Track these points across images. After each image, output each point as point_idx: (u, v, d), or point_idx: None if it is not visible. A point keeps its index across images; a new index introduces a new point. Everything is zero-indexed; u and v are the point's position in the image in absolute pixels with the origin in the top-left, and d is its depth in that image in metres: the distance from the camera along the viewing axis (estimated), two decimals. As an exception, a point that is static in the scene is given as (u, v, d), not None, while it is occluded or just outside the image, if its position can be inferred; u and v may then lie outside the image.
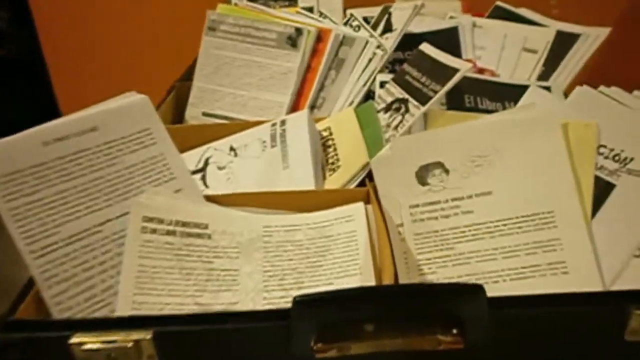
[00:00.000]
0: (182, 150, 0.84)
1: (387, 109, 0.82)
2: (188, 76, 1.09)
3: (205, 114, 1.03)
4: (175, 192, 0.68)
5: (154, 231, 0.62)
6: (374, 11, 1.22)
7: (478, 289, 0.47)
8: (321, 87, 0.99)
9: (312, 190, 0.72)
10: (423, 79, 0.78)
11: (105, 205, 0.61)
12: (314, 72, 0.99)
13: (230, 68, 1.02)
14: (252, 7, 1.06)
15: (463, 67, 0.71)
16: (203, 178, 0.82)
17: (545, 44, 0.99)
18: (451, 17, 1.08)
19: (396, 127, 0.75)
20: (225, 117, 1.01)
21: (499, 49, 1.02)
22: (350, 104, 0.96)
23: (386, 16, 1.03)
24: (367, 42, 0.97)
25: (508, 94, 0.84)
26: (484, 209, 0.66)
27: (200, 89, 1.03)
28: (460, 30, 1.04)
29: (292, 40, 0.98)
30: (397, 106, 0.80)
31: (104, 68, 1.87)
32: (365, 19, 1.08)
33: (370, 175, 0.72)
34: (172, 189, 0.67)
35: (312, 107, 0.99)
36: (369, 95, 0.95)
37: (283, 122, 0.84)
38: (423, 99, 0.74)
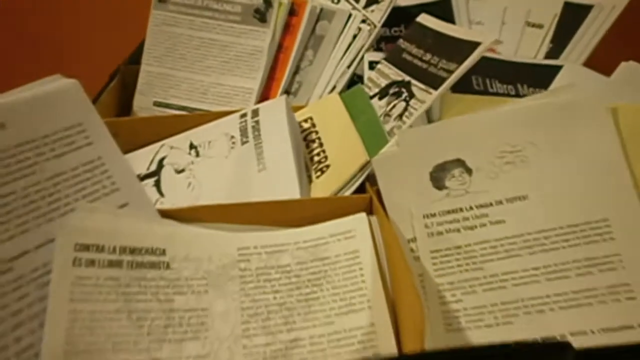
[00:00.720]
0: (129, 149, 0.67)
1: (382, 94, 0.67)
2: (136, 58, 0.91)
3: (157, 104, 0.85)
4: (119, 208, 0.51)
5: (91, 263, 0.46)
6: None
7: (565, 348, 0.33)
8: (296, 70, 0.83)
9: (298, 199, 0.57)
10: (428, 57, 0.64)
11: (19, 231, 0.44)
12: (288, 52, 0.83)
13: (186, 48, 0.85)
14: (210, -25, 0.88)
15: (485, 40, 0.57)
16: (157, 184, 0.65)
17: (552, 18, 0.86)
18: (441, -12, 0.93)
19: (400, 117, 0.60)
20: (182, 107, 0.84)
21: (498, 23, 0.89)
22: (332, 89, 0.81)
23: (370, -15, 0.87)
24: (350, 16, 0.82)
25: (522, 75, 0.71)
26: (519, 218, 0.52)
27: (151, 74, 0.86)
28: (453, 3, 0.90)
29: (260, 14, 0.82)
30: (395, 90, 0.65)
31: (31, 48, 1.62)
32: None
33: (371, 178, 0.57)
34: (115, 204, 0.51)
35: (287, 94, 0.83)
36: (354, 80, 0.80)
37: (255, 112, 0.68)
38: (434, 81, 0.60)
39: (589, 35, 0.83)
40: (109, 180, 0.50)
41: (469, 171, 0.54)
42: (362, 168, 0.58)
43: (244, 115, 0.68)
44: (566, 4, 0.86)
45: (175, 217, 0.53)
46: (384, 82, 0.68)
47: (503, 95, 0.71)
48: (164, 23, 0.85)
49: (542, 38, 0.86)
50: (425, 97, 0.59)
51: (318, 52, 0.83)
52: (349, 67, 0.80)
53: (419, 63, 0.65)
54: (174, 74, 0.85)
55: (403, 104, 0.62)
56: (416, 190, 0.54)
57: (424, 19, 0.71)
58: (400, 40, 0.72)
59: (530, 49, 0.86)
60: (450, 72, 0.58)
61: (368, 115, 0.65)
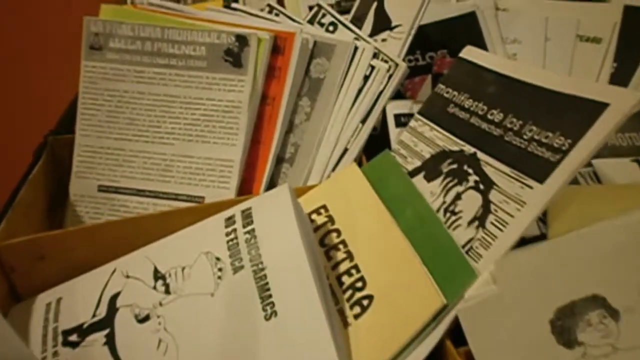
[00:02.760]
0: (62, 278, 0.45)
1: (429, 171, 0.46)
2: (67, 125, 0.68)
3: (103, 189, 0.62)
4: None
5: None
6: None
7: None
8: (290, 128, 0.62)
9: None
10: (498, 116, 0.43)
11: None
12: (276, 105, 0.61)
13: (135, 110, 0.62)
14: (157, 5, 0.66)
15: (619, 99, 0.36)
16: (110, 343, 0.43)
17: (612, 28, 0.66)
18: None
19: (480, 224, 0.39)
20: (138, 192, 0.61)
21: (540, 40, 0.69)
22: (342, 154, 0.59)
23: (375, 4, 0.66)
24: (356, 49, 0.60)
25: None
26: None
27: (90, 149, 0.63)
28: (479, 16, 0.70)
29: (233, 57, 0.60)
30: (452, 168, 0.44)
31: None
32: (340, 8, 0.71)
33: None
34: None
35: (279, 162, 0.62)
36: (377, 142, 0.59)
37: (247, 215, 0.46)
38: (528, 165, 0.39)
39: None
40: None
41: (613, 314, 0.33)
42: (435, 316, 0.36)
43: (230, 220, 0.46)
44: (628, 9, 0.67)
45: None
46: (427, 151, 0.47)
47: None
48: (101, 77, 0.62)
49: (602, 56, 0.66)
50: (521, 192, 0.38)
51: (317, 101, 0.61)
52: (363, 121, 0.58)
53: (484, 125, 0.44)
54: (122, 146, 0.62)
55: (476, 198, 0.41)
56: (532, 352, 0.33)
57: (473, 54, 0.50)
58: (441, 87, 0.51)
59: (589, 71, 0.66)
60: (561, 151, 0.37)
61: (417, 209, 0.43)
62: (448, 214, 0.42)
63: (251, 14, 0.65)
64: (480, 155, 0.43)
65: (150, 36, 0.61)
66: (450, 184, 0.43)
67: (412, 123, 0.52)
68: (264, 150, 0.61)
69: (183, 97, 0.61)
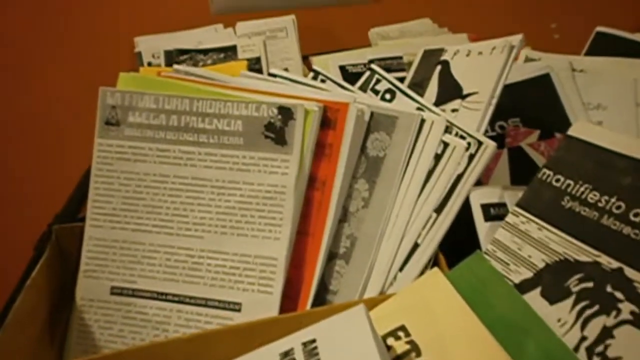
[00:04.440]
0: None
1: (549, 288, 0.35)
2: (71, 213, 0.58)
3: (117, 292, 0.51)
4: None
5: None
6: (381, 53, 0.78)
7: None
8: (344, 217, 0.51)
9: None
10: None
11: None
12: (327, 189, 0.51)
13: (156, 196, 0.52)
14: (183, 72, 0.56)
15: None
16: None
17: None
18: (529, 60, 0.63)
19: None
20: (158, 295, 0.50)
21: (629, 106, 0.59)
22: (413, 249, 0.48)
23: (438, 67, 0.56)
24: (423, 121, 0.50)
25: None
26: None
27: (101, 242, 0.52)
28: (554, 79, 0.60)
29: (276, 132, 0.50)
30: (587, 286, 0.32)
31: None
32: (387, 68, 0.62)
33: None
34: None
35: (332, 258, 0.50)
36: (458, 237, 0.48)
37: (310, 351, 0.34)
38: None
39: None
40: None
41: None
42: None
43: (287, 357, 0.35)
44: None
45: None
46: (539, 258, 0.36)
47: None
48: (117, 158, 0.52)
49: None
50: None
51: (376, 184, 0.50)
52: (438, 211, 0.47)
53: (626, 229, 0.33)
54: (140, 239, 0.52)
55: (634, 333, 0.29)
56: None
57: (590, 132, 0.39)
58: (547, 173, 0.40)
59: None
60: None
61: (542, 344, 0.32)
62: (596, 358, 0.30)
63: (294, 81, 0.56)
64: (630, 272, 0.32)
65: (176, 109, 0.52)
66: (589, 312, 0.32)
67: (511, 218, 0.41)
68: (313, 244, 0.50)
69: (215, 180, 0.51)
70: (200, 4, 1.05)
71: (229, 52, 0.85)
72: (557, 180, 0.39)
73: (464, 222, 0.46)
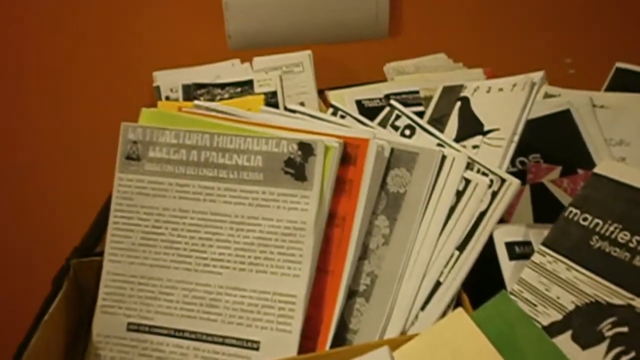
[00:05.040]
0: None
1: (583, 333, 0.33)
2: (89, 247, 0.58)
3: (133, 328, 0.51)
4: None
5: None
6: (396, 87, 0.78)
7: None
8: (364, 254, 0.50)
9: None
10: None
11: None
12: (347, 225, 0.50)
13: (175, 231, 0.51)
14: (204, 108, 0.57)
15: None
16: None
17: None
18: (549, 95, 0.63)
19: None
20: (176, 332, 0.50)
21: (653, 141, 0.58)
22: (435, 288, 0.47)
23: (458, 103, 0.56)
24: (444, 157, 0.50)
25: None
26: None
27: (119, 278, 0.52)
28: (575, 116, 0.60)
29: (296, 168, 0.50)
30: (622, 331, 0.31)
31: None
32: (403, 102, 0.62)
33: None
34: None
35: (352, 296, 0.50)
36: (481, 275, 0.47)
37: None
38: None
39: None
40: None
41: None
42: None
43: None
44: None
45: None
46: (568, 300, 0.35)
47: None
48: (137, 192, 0.52)
49: None
50: None
51: (397, 221, 0.50)
52: (460, 249, 0.47)
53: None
54: (158, 274, 0.51)
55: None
56: None
57: (617, 170, 0.39)
58: (573, 211, 0.39)
59: None
60: None
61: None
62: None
63: (313, 117, 0.56)
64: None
65: (197, 144, 0.52)
66: (625, 358, 0.31)
67: (537, 257, 0.40)
68: (332, 282, 0.49)
69: (234, 216, 0.51)
70: (219, 40, 1.06)
71: (246, 87, 0.86)
72: (585, 219, 0.39)
73: (487, 261, 0.45)
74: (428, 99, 0.77)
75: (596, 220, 0.38)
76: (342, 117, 0.57)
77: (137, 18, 1.05)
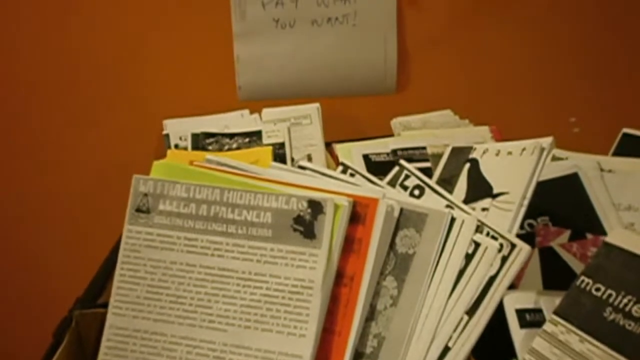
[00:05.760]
0: None
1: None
2: (92, 298, 0.57)
3: (134, 385, 0.50)
4: None
5: None
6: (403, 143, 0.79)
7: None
8: (371, 315, 0.50)
9: None
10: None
11: None
12: (354, 285, 0.50)
13: (182, 286, 0.51)
14: (215, 162, 0.57)
15: None
16: None
17: None
18: (556, 158, 0.63)
19: None
20: (177, 392, 0.48)
21: (661, 208, 0.58)
22: (441, 356, 0.46)
23: (467, 165, 0.57)
24: (453, 219, 0.50)
25: None
26: None
27: (122, 332, 0.51)
28: (583, 179, 0.60)
29: (305, 225, 0.50)
30: None
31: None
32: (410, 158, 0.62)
33: None
34: None
35: (358, 358, 0.49)
36: (490, 341, 0.46)
37: None
38: None
39: None
40: None
41: None
42: None
43: None
44: None
45: None
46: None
47: None
48: (146, 245, 0.52)
49: None
50: None
51: (405, 282, 0.50)
52: (470, 313, 0.46)
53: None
54: (162, 329, 0.51)
55: None
56: None
57: (629, 240, 0.38)
58: (586, 281, 0.39)
59: None
60: None
61: None
62: None
63: (323, 174, 0.56)
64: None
65: (207, 198, 0.52)
66: None
67: (549, 327, 0.39)
68: (339, 343, 0.49)
69: (241, 272, 0.50)
70: (229, 91, 1.08)
71: (254, 137, 0.87)
72: (598, 290, 0.38)
73: (497, 327, 0.45)
74: (435, 156, 0.78)
75: (609, 292, 0.38)
76: (352, 175, 0.58)
77: (151, 66, 1.07)
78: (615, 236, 0.40)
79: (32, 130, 1.07)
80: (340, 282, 0.50)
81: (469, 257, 0.48)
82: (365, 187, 0.54)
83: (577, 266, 0.53)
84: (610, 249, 0.39)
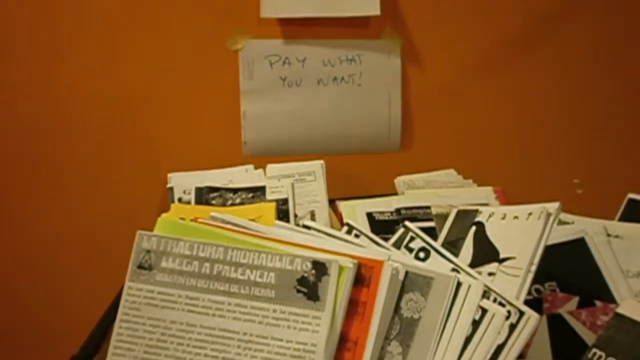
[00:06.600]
0: None
1: None
2: (88, 356, 0.56)
3: None
4: None
5: None
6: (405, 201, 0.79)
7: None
8: (375, 382, 0.48)
9: None
10: None
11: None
12: (358, 350, 0.49)
13: (181, 346, 0.50)
14: (220, 220, 0.57)
15: None
16: None
17: None
18: (562, 222, 0.63)
19: None
20: None
21: (671, 276, 0.57)
22: None
23: (473, 228, 0.57)
24: (459, 284, 0.49)
25: None
26: None
27: (117, 394, 0.49)
28: (590, 245, 0.59)
29: (309, 287, 0.49)
30: None
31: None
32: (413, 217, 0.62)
33: None
34: None
35: None
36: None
37: None
38: None
39: None
40: None
41: None
42: None
43: None
44: None
45: None
46: None
47: None
48: (146, 303, 0.51)
49: None
50: None
51: (410, 347, 0.48)
52: (478, 386, 0.45)
53: None
54: (159, 393, 0.49)
55: None
56: None
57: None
58: (597, 353, 0.38)
59: None
60: None
61: None
62: None
63: (327, 234, 0.56)
64: None
65: (210, 256, 0.52)
66: None
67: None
68: (341, 412, 0.47)
69: (243, 333, 0.49)
70: (234, 146, 1.09)
71: (258, 192, 0.86)
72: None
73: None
74: (439, 216, 0.78)
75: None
76: (357, 236, 0.57)
77: (158, 119, 1.08)
78: (627, 307, 0.39)
79: (37, 180, 1.08)
80: (343, 346, 0.49)
81: (476, 324, 0.47)
82: (370, 249, 0.54)
83: (586, 335, 0.52)
84: (621, 320, 0.39)
